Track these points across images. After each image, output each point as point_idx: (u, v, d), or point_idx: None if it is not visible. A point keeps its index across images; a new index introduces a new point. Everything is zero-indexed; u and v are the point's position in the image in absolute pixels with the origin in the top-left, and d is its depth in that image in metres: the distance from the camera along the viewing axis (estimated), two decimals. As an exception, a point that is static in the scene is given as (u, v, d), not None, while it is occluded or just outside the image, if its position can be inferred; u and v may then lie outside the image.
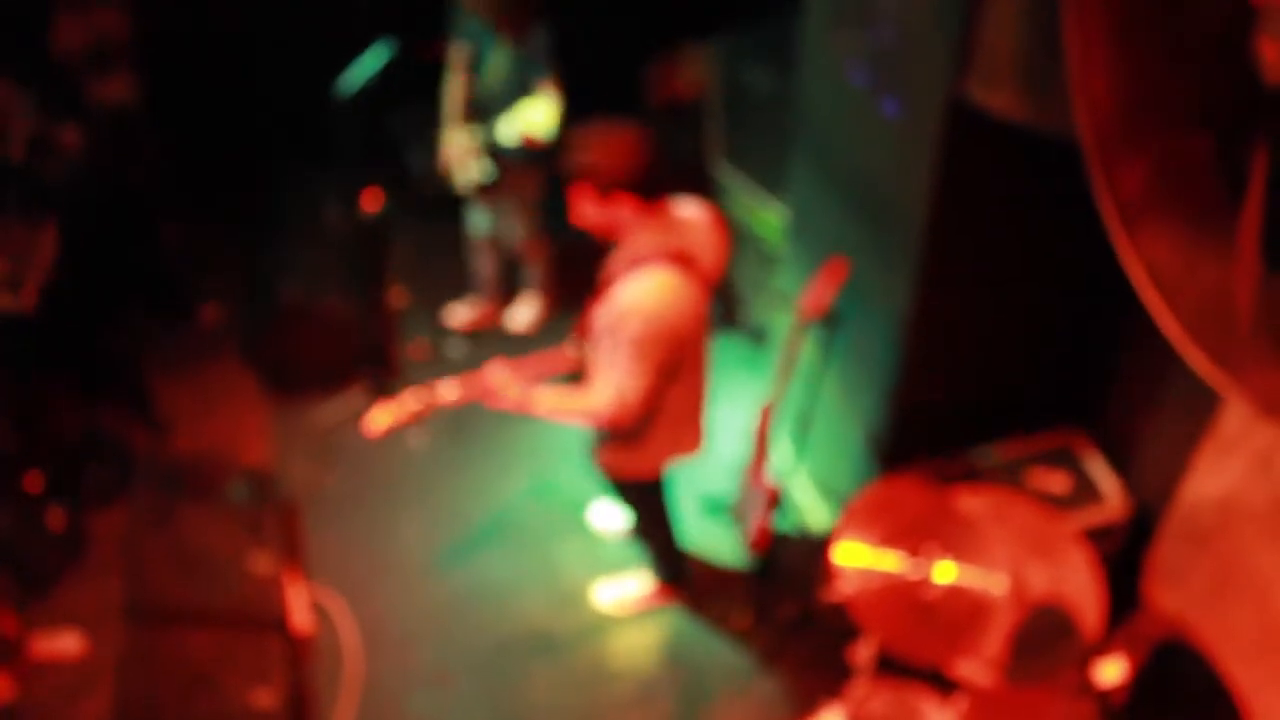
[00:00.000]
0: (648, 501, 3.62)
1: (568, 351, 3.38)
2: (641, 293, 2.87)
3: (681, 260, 2.94)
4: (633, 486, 3.54)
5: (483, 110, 4.54)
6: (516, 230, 5.02)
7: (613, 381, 2.98)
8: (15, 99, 4.48)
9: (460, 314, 5.45)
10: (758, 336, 5.08)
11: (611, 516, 4.24)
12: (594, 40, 4.78)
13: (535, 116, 4.38)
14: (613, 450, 3.37)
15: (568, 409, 3.09)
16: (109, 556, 4.12)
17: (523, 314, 5.39)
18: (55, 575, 4.09)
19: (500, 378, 3.10)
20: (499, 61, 4.45)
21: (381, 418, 3.11)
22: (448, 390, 3.13)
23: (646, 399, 2.99)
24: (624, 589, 4.08)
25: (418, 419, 3.16)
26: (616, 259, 3.01)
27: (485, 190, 4.74)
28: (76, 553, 4.17)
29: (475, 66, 4.57)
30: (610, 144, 2.85)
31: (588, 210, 2.92)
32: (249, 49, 5.80)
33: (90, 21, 4.87)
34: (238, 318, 5.39)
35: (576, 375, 3.38)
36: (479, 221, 5.05)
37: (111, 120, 4.93)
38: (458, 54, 4.53)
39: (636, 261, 2.92)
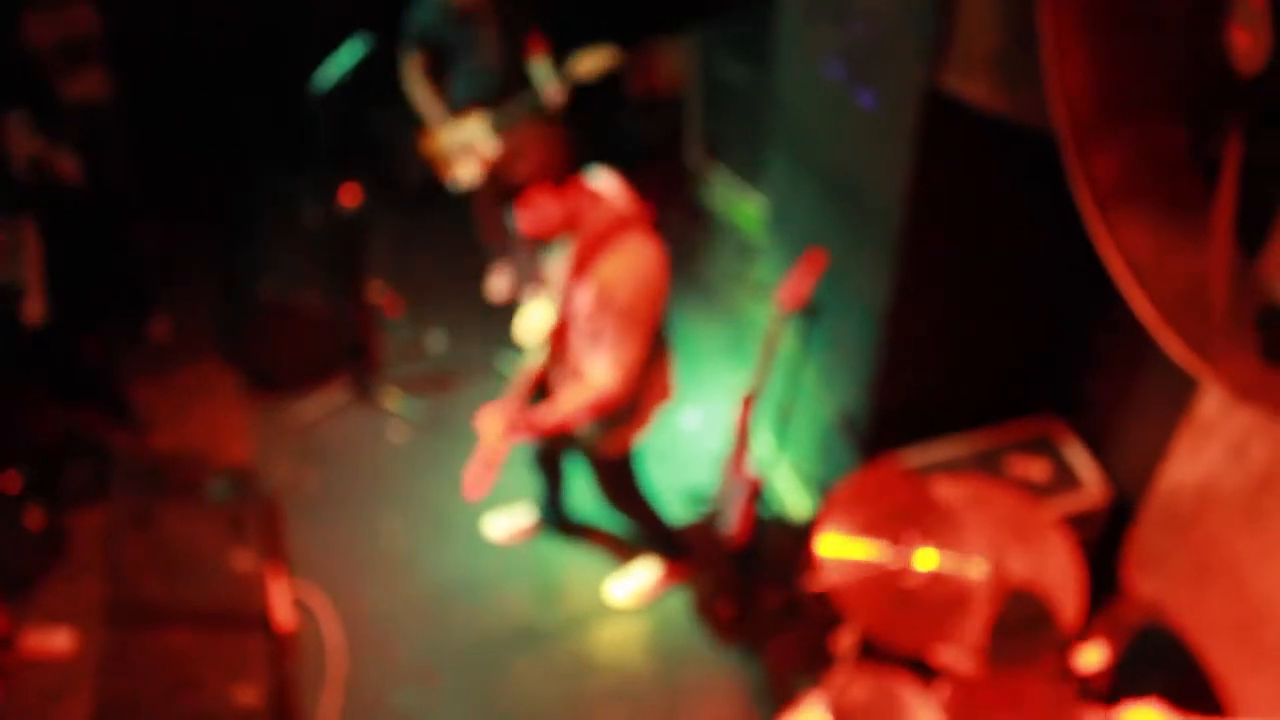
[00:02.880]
0: (629, 475, 3.65)
1: (533, 367, 3.40)
2: (622, 264, 2.97)
3: (636, 221, 3.05)
4: (618, 464, 3.57)
5: (483, 102, 4.60)
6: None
7: (610, 357, 3.05)
8: (18, 125, 4.47)
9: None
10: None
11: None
12: (570, 34, 4.78)
13: (588, 63, 4.51)
14: (613, 430, 3.40)
15: (576, 404, 3.16)
16: (89, 556, 4.09)
17: (501, 284, 5.40)
18: (34, 575, 4.06)
19: (497, 422, 3.23)
20: (489, 49, 4.51)
21: (481, 481, 3.32)
22: (494, 437, 3.27)
23: (643, 364, 3.09)
24: (635, 580, 4.08)
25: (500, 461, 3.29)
26: (580, 243, 3.05)
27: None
28: (56, 553, 4.14)
29: (446, 66, 4.60)
30: (548, 139, 2.94)
31: (548, 210, 2.96)
32: (224, 45, 5.76)
33: (61, 17, 4.83)
34: (215, 316, 5.35)
35: (542, 391, 3.43)
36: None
37: (84, 117, 4.89)
38: (414, 61, 4.64)
39: (603, 239, 3.00)
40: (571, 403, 3.17)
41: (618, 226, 3.01)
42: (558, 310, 3.19)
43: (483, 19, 4.50)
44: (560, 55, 4.65)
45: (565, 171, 2.93)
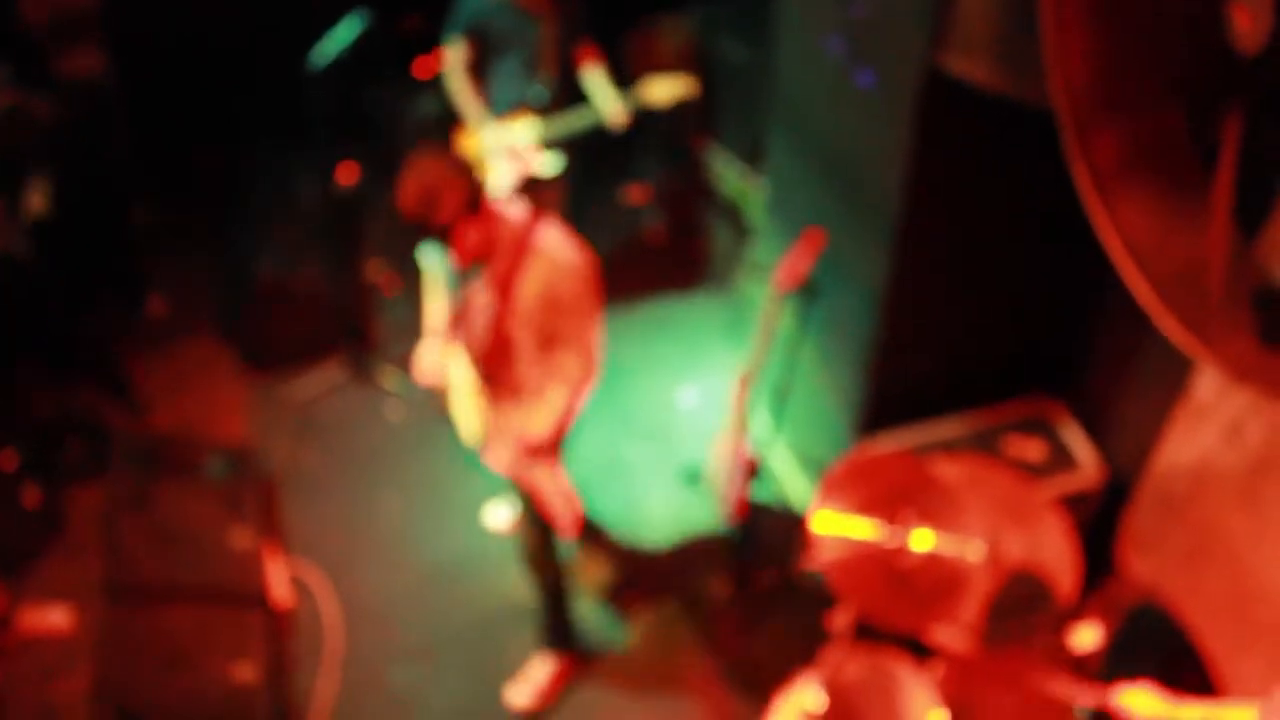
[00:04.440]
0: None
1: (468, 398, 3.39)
2: (550, 263, 2.97)
3: (539, 225, 3.03)
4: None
5: (532, 106, 4.32)
6: None
7: (575, 347, 3.04)
8: None
9: None
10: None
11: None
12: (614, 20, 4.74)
13: (661, 90, 4.37)
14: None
15: (563, 402, 3.11)
16: (87, 534, 4.10)
17: None
18: (32, 553, 4.07)
19: (517, 458, 3.24)
20: (545, 48, 4.24)
21: (569, 516, 3.33)
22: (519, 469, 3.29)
23: (601, 345, 3.10)
24: (532, 680, 3.79)
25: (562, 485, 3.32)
26: (500, 263, 3.01)
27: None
28: (53, 531, 4.15)
29: (490, 61, 4.33)
30: (453, 172, 2.88)
31: (472, 239, 2.93)
32: (222, 23, 5.73)
33: (58, -7, 4.81)
34: (212, 294, 5.35)
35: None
36: None
37: (81, 94, 4.87)
38: (458, 52, 4.28)
39: (519, 250, 2.98)
40: (559, 401, 3.12)
41: (527, 235, 3.00)
42: (490, 332, 3.14)
43: (544, 13, 4.18)
44: (612, 63, 4.48)
45: (477, 199, 2.89)
